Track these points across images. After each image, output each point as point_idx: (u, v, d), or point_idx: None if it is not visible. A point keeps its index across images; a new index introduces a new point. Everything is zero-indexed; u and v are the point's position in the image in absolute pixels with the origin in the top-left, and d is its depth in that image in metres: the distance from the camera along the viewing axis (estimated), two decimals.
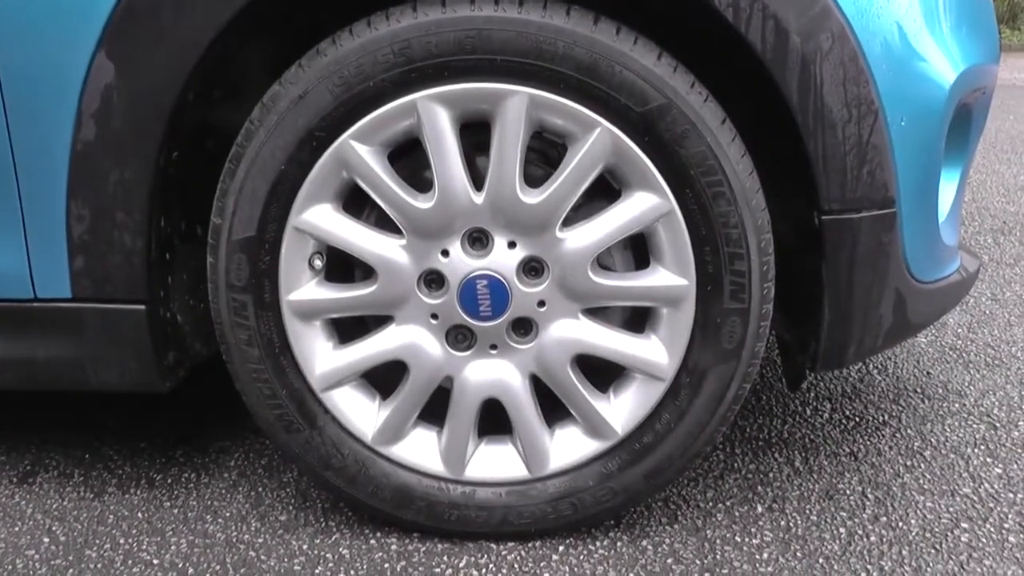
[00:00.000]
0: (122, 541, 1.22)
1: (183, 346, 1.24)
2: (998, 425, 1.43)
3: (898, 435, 1.41)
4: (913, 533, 1.16)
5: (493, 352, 1.13)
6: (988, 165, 3.42)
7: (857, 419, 1.47)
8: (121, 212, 1.12)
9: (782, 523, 1.20)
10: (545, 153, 1.15)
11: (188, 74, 1.06)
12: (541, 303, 1.10)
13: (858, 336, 1.14)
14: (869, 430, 1.43)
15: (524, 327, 1.12)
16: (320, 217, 1.09)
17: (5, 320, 1.20)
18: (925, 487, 1.27)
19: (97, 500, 1.33)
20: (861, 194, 1.06)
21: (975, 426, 1.43)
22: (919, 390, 1.56)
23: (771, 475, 1.32)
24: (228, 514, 1.28)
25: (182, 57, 1.05)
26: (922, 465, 1.32)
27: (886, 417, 1.47)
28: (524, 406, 1.14)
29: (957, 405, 1.50)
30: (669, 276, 1.08)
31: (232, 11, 1.03)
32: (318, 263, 1.13)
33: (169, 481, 1.37)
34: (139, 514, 1.29)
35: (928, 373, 1.63)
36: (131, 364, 1.20)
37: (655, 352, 1.11)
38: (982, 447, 1.37)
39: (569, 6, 1.02)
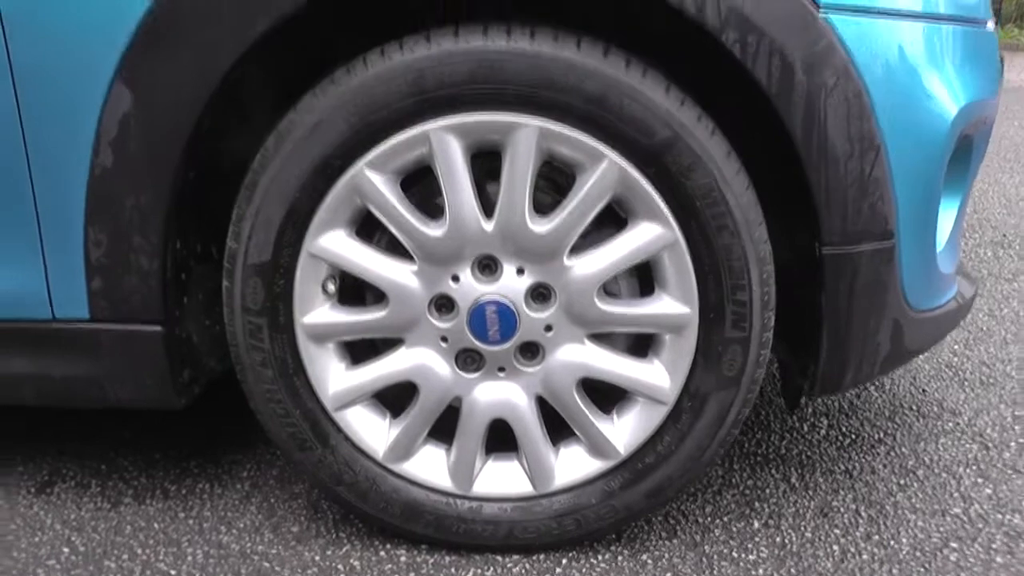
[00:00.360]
0: (140, 552, 1.25)
1: (198, 364, 1.27)
2: (990, 445, 1.46)
3: (892, 453, 1.44)
4: (904, 552, 1.20)
5: (501, 374, 1.16)
6: (990, 175, 3.44)
7: (853, 436, 1.50)
8: (138, 236, 1.15)
9: (777, 539, 1.23)
10: (554, 179, 1.17)
11: (204, 103, 1.08)
12: (548, 328, 1.13)
13: (855, 363, 1.17)
14: (864, 447, 1.46)
15: (531, 351, 1.15)
16: (334, 243, 1.12)
17: (24, 339, 1.23)
18: (917, 506, 1.30)
19: (114, 511, 1.36)
20: (862, 227, 1.09)
21: (968, 446, 1.46)
22: (915, 408, 1.59)
23: (768, 491, 1.35)
24: (242, 525, 1.31)
25: (198, 87, 1.08)
26: (915, 484, 1.35)
27: (881, 435, 1.50)
28: (530, 426, 1.17)
29: (951, 424, 1.53)
30: (673, 304, 1.11)
31: (249, 42, 1.05)
32: (331, 287, 1.16)
33: (184, 492, 1.40)
34: (155, 524, 1.32)
35: (924, 391, 1.66)
36: (147, 382, 1.23)
37: (658, 377, 1.14)
38: (974, 467, 1.40)
39: (579, 38, 1.05)
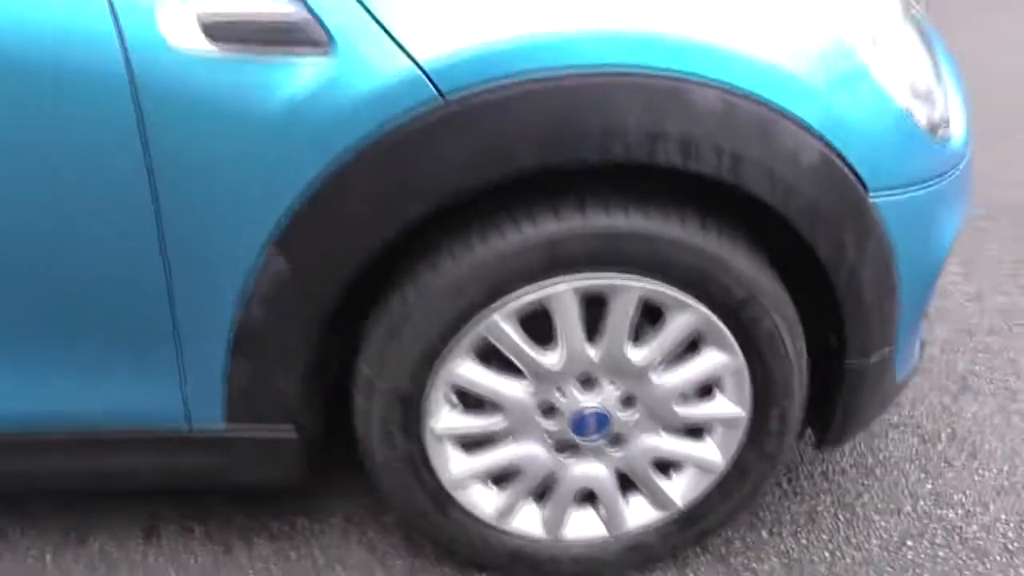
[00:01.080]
0: None
1: (320, 444, 1.61)
2: (926, 438, 2.04)
3: (855, 452, 2.00)
4: (875, 553, 1.76)
5: (591, 456, 1.58)
6: None
7: None
8: (280, 370, 1.45)
9: (782, 547, 1.77)
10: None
11: (353, 272, 1.36)
12: (633, 424, 1.55)
13: (854, 430, 1.67)
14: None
15: (617, 440, 1.57)
16: (462, 369, 1.46)
17: (162, 442, 1.52)
18: (879, 506, 1.87)
19: (227, 555, 1.72)
20: (875, 344, 1.54)
21: (909, 440, 2.03)
22: None
23: (767, 498, 1.88)
24: (352, 563, 1.71)
25: (352, 256, 1.35)
26: (875, 484, 1.92)
27: None
28: (610, 492, 1.62)
29: (896, 417, 2.10)
30: (730, 406, 1.55)
31: (404, 221, 1.33)
32: (454, 399, 1.51)
33: (286, 529, 1.77)
34: (273, 567, 1.69)
35: None
36: (276, 472, 1.57)
37: (711, 454, 1.60)
38: (916, 463, 1.98)
39: (683, 214, 1.39)
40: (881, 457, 1.99)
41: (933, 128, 1.50)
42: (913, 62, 1.51)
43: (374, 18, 1.23)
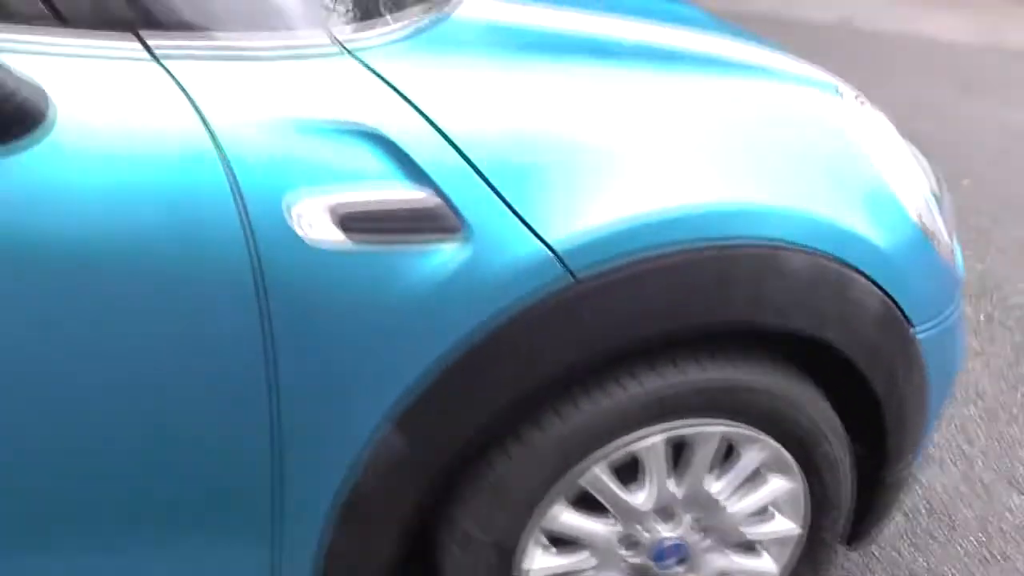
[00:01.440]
0: None
1: None
2: (909, 514, 2.31)
3: None
4: None
5: None
6: None
7: None
8: (381, 535, 1.51)
9: None
10: None
11: (466, 441, 1.45)
12: (704, 549, 1.70)
13: (882, 528, 1.89)
14: None
15: (688, 561, 1.72)
16: (558, 515, 1.57)
17: None
18: None
19: None
20: (908, 454, 1.77)
21: (896, 519, 2.29)
22: None
23: None
24: None
25: (464, 432, 1.44)
26: (877, 566, 2.16)
27: None
28: None
29: None
30: (787, 523, 1.73)
31: (516, 399, 1.42)
32: (545, 541, 1.61)
33: None
34: None
35: None
36: None
37: (768, 566, 1.78)
38: (906, 539, 2.23)
39: (759, 360, 1.55)
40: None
41: (943, 251, 1.74)
42: (920, 187, 1.74)
43: (505, 202, 1.33)
